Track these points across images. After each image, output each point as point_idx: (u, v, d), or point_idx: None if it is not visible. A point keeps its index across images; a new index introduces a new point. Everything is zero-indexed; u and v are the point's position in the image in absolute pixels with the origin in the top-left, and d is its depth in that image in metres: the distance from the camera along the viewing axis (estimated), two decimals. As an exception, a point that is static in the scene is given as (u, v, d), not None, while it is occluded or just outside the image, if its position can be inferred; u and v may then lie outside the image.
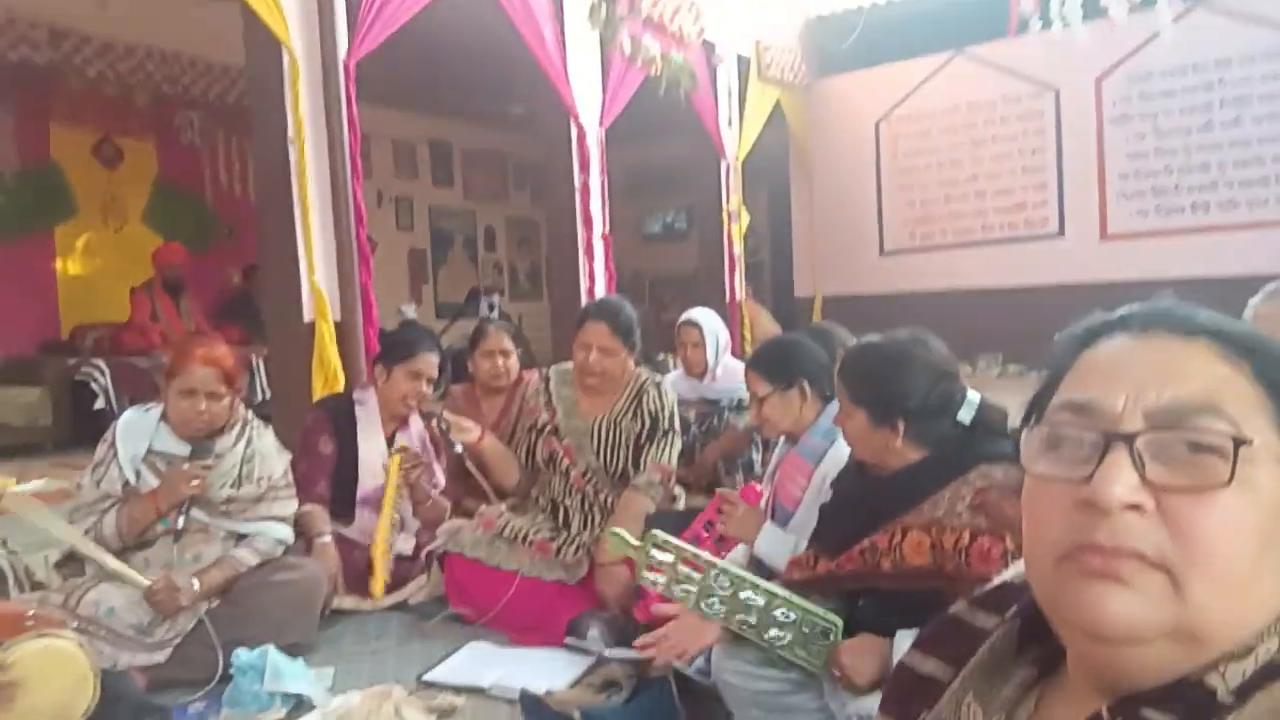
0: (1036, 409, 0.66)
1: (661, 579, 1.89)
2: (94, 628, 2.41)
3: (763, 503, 2.42)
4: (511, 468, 3.16)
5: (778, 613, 1.81)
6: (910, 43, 8.87)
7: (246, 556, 2.66)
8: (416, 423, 3.42)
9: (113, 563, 2.50)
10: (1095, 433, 0.58)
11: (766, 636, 1.82)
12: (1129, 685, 0.57)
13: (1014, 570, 0.76)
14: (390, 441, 3.32)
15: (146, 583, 2.47)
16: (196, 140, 8.67)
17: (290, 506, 2.82)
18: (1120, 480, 0.55)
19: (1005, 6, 7.35)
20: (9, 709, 1.86)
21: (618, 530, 2.02)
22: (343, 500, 3.22)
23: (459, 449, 3.05)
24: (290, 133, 4.21)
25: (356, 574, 3.09)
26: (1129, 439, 0.56)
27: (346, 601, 3.06)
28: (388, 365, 3.31)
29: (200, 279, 7.84)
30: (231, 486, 2.67)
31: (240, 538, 2.72)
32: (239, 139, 8.54)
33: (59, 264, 7.89)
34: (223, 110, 8.55)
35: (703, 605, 1.86)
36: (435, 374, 3.32)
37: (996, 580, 0.76)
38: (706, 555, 1.92)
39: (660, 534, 1.92)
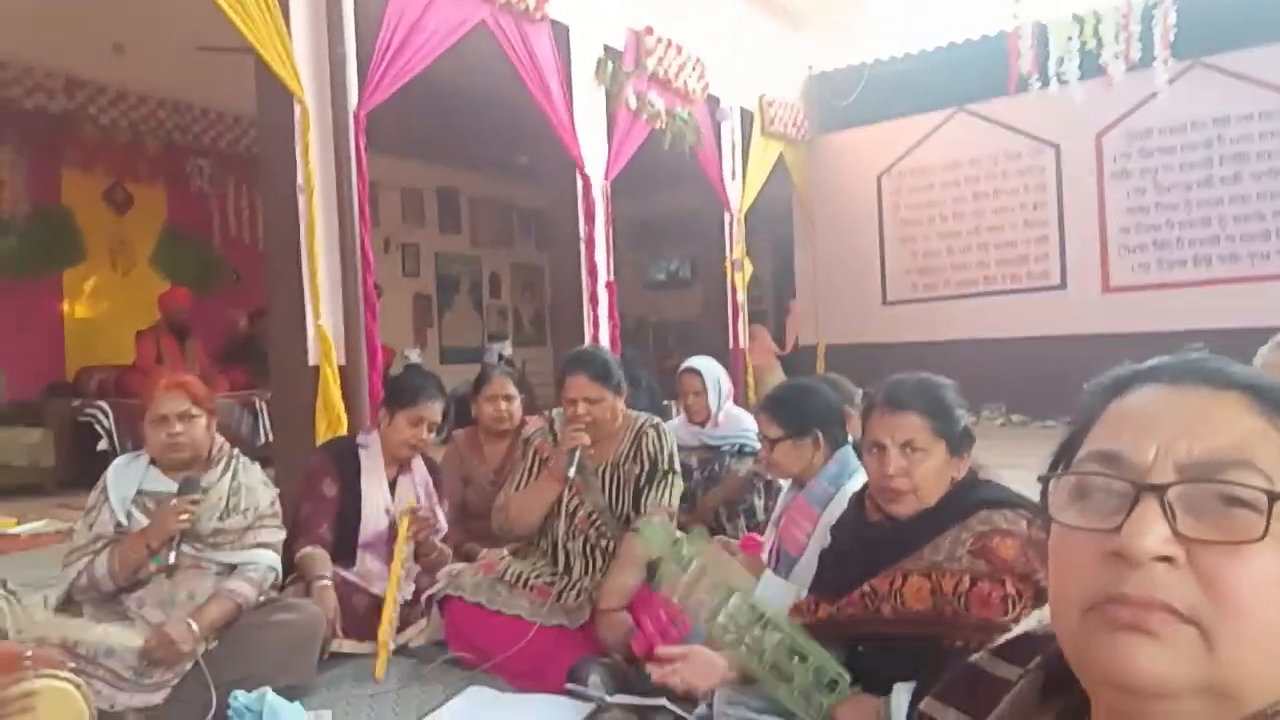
0: (1064, 458, 0.65)
1: (684, 585, 1.87)
2: (92, 668, 2.40)
3: (767, 548, 2.42)
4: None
5: (789, 654, 1.79)
6: (911, 99, 9.01)
7: (240, 587, 2.65)
8: (420, 468, 3.44)
9: (104, 634, 2.46)
10: (1125, 483, 0.57)
11: (771, 674, 1.79)
12: None
13: (1035, 619, 0.75)
14: (393, 486, 3.33)
15: (138, 642, 2.44)
16: (206, 187, 8.78)
17: (278, 535, 2.83)
18: (1151, 532, 0.54)
19: (1004, 65, 7.48)
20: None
21: (654, 519, 2.00)
22: (344, 543, 3.22)
23: (573, 472, 2.91)
24: (300, 181, 4.28)
25: (357, 618, 3.07)
26: (1160, 490, 0.55)
27: (346, 645, 3.04)
28: (391, 410, 3.34)
29: (206, 323, 7.89)
30: (219, 519, 2.69)
31: (231, 570, 2.71)
32: (248, 186, 8.66)
33: (66, 306, 7.95)
34: (233, 158, 8.69)
35: (718, 620, 1.84)
36: (438, 419, 3.35)
37: (1018, 629, 0.75)
38: (732, 575, 1.90)
39: (699, 531, 1.91)
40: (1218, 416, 0.58)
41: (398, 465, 3.38)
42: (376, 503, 3.28)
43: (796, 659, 1.78)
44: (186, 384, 2.76)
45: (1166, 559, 0.54)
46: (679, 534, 1.92)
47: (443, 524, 3.40)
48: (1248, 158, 7.65)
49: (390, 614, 3.00)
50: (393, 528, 3.24)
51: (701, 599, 1.85)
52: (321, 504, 3.21)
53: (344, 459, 3.33)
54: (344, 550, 3.21)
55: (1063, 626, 0.60)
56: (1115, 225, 8.25)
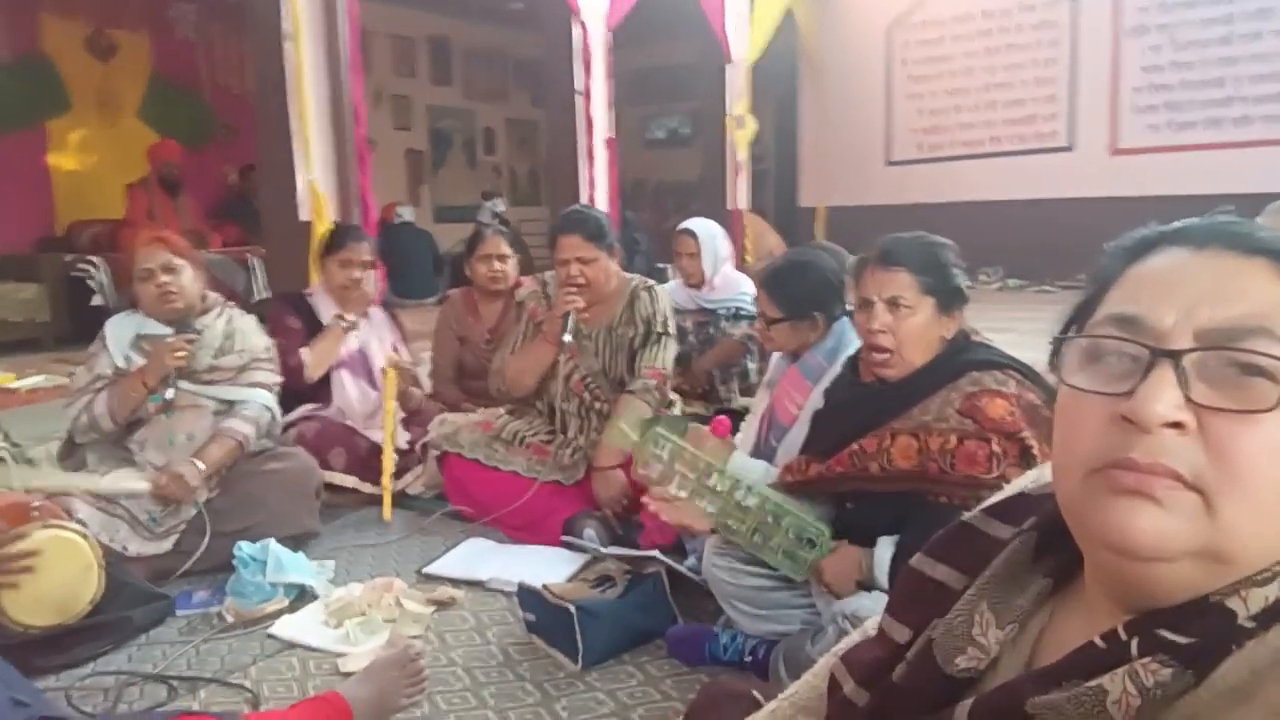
0: (1078, 320, 0.64)
1: (657, 472, 1.92)
2: (112, 507, 2.50)
3: (758, 413, 2.45)
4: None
5: (768, 517, 1.84)
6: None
7: (239, 425, 2.71)
8: (376, 313, 3.57)
9: (112, 483, 2.54)
10: (1141, 348, 0.56)
11: (754, 540, 1.86)
12: (1148, 602, 0.56)
13: (1029, 479, 0.75)
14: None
15: (146, 486, 2.52)
16: (192, 35, 8.46)
17: (274, 378, 2.88)
18: (1164, 398, 0.54)
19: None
20: (17, 592, 1.91)
21: (619, 422, 2.04)
22: (314, 386, 3.32)
23: (568, 337, 2.90)
24: (286, 28, 4.11)
25: (359, 459, 3.21)
26: (1176, 356, 0.55)
27: (349, 481, 3.17)
28: (324, 261, 3.48)
29: (197, 177, 7.75)
30: (214, 357, 2.75)
31: (229, 409, 2.77)
32: (236, 33, 8.33)
33: (53, 159, 7.79)
34: (219, 3, 8.32)
35: (697, 503, 1.90)
36: (367, 258, 3.43)
37: (1010, 489, 0.75)
38: (705, 453, 1.94)
39: (661, 429, 1.94)
40: (1241, 283, 0.56)
41: (350, 310, 3.45)
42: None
43: (774, 519, 1.83)
44: (164, 237, 2.81)
45: (1177, 425, 0.54)
46: (636, 435, 1.94)
47: (412, 362, 3.56)
48: (1272, 14, 7.35)
49: (389, 460, 3.12)
50: (363, 353, 3.40)
51: (679, 477, 1.90)
52: (291, 336, 3.28)
53: (298, 305, 3.45)
54: (321, 385, 3.32)
55: (1064, 488, 0.60)
56: (1127, 85, 8.01)
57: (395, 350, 3.49)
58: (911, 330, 1.78)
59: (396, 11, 9.63)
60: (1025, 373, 1.75)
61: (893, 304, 1.78)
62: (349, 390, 3.37)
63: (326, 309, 3.42)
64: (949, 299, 1.80)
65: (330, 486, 3.07)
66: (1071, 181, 8.15)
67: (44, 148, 7.70)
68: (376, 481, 3.15)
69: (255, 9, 4.28)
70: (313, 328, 3.37)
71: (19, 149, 7.38)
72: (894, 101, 9.19)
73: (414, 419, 3.45)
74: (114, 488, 2.54)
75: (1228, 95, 7.60)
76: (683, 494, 1.90)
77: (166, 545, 2.55)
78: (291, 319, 3.35)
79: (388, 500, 3.10)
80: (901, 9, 9.03)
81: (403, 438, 3.35)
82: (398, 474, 3.23)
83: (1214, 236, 0.59)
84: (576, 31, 6.02)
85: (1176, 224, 0.62)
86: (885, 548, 1.75)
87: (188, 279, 2.73)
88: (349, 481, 3.18)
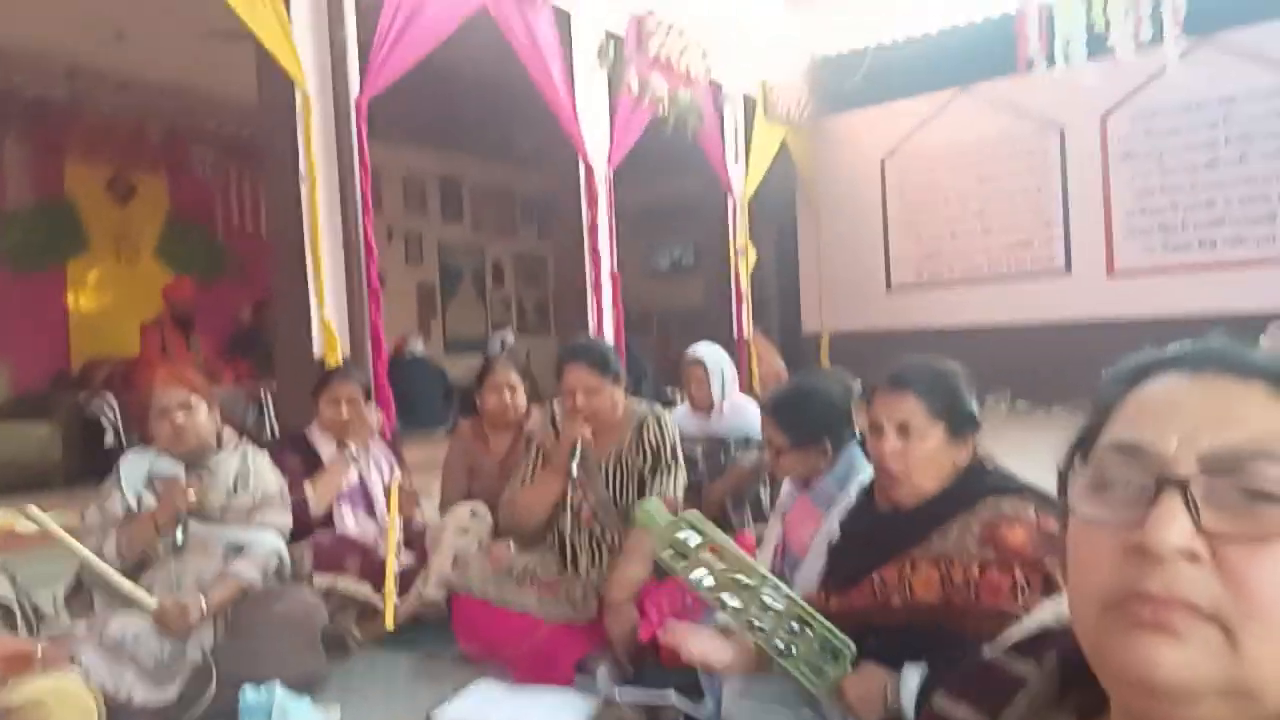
0: (1082, 448, 0.63)
1: (684, 562, 1.86)
2: (121, 656, 2.44)
3: (770, 542, 2.41)
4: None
5: (794, 622, 1.77)
6: (915, 80, 8.96)
7: (245, 569, 2.67)
8: (378, 443, 3.67)
9: (123, 582, 2.52)
10: (1146, 475, 0.56)
11: (777, 644, 1.77)
12: None
13: (1051, 612, 0.74)
14: None
15: (154, 602, 2.49)
16: (209, 175, 8.76)
17: (285, 520, 2.87)
18: (1174, 526, 0.53)
19: (1010, 45, 7.42)
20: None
21: (649, 502, 1.99)
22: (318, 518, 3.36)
23: (574, 470, 2.92)
24: (302, 170, 4.27)
25: (369, 567, 3.22)
26: (1183, 483, 0.54)
27: (362, 588, 3.15)
28: (315, 402, 3.56)
29: (211, 314, 7.89)
30: (226, 496, 2.75)
31: (237, 553, 2.74)
32: (251, 174, 8.63)
33: (71, 298, 7.95)
34: (236, 146, 8.65)
35: (721, 597, 1.82)
36: (356, 394, 3.52)
37: (1032, 623, 0.74)
38: (734, 546, 1.89)
39: (693, 514, 1.90)
40: (1241, 407, 0.57)
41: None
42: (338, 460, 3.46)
43: (800, 626, 1.76)
44: (182, 374, 2.87)
45: (1190, 555, 0.53)
46: (667, 517, 1.90)
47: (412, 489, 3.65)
48: (1254, 138, 7.59)
49: (392, 572, 3.13)
50: (363, 486, 3.47)
51: (703, 576, 1.84)
52: (291, 475, 3.28)
53: (297, 445, 3.52)
54: (323, 519, 3.35)
55: (1081, 623, 0.59)
56: (1120, 208, 8.21)
57: (379, 468, 3.59)
58: (922, 455, 1.77)
59: (409, 152, 9.99)
60: (1043, 498, 1.73)
61: (903, 428, 1.78)
62: (348, 522, 3.40)
63: (325, 446, 3.50)
64: (960, 424, 1.80)
65: (340, 597, 3.06)
66: (1071, 304, 8.26)
67: (62, 287, 7.88)
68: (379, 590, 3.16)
69: (273, 151, 4.44)
70: (312, 465, 3.42)
71: (38, 288, 7.55)
72: (892, 229, 9.41)
73: (414, 545, 3.50)
74: (128, 588, 2.51)
75: (1219, 216, 7.77)
76: (709, 582, 1.83)
77: (172, 693, 2.48)
78: (291, 458, 3.40)
79: (390, 606, 3.06)
80: (893, 141, 9.34)
81: (405, 558, 3.38)
82: (403, 590, 3.20)
83: (1209, 360, 0.60)
84: (582, 170, 6.24)
85: (1172, 349, 0.63)
86: (912, 676, 1.68)
87: (203, 416, 2.76)
88: (362, 590, 3.14)
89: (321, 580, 3.07)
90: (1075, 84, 7.32)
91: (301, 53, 4.24)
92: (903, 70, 8.96)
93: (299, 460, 3.41)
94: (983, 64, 8.42)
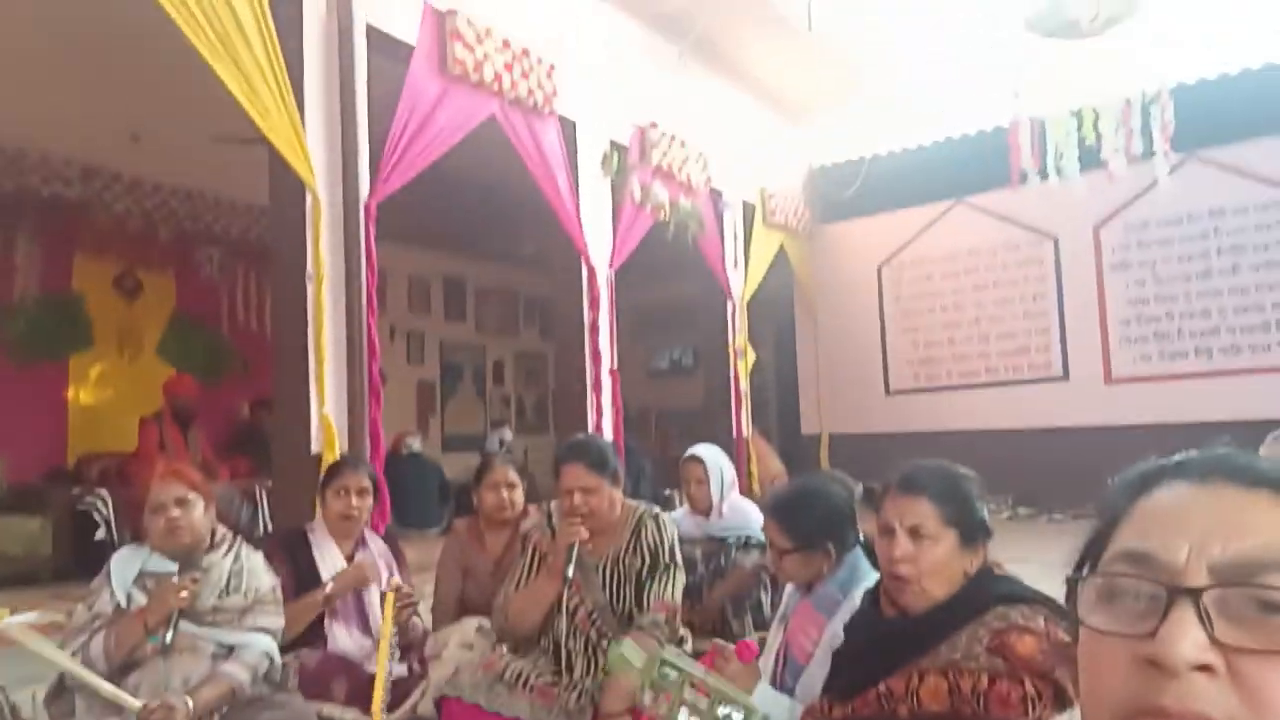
0: (1090, 557, 0.63)
1: (665, 705, 1.81)
2: None
3: (772, 647, 2.36)
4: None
5: None
6: (911, 191, 9.19)
7: (235, 671, 2.61)
8: (377, 542, 3.49)
9: (105, 686, 2.45)
10: (1157, 586, 0.55)
11: None
12: None
13: None
14: (350, 561, 3.36)
15: (139, 704, 2.41)
16: (216, 275, 8.88)
17: (278, 622, 2.80)
18: (1188, 638, 0.52)
19: (1004, 159, 7.63)
20: None
21: (622, 645, 1.94)
22: (311, 626, 3.19)
23: (571, 572, 2.84)
24: (310, 270, 4.33)
25: (358, 687, 3.06)
26: (1195, 594, 0.53)
27: (349, 714, 3.00)
28: (322, 494, 3.45)
29: (209, 410, 7.88)
30: (218, 597, 2.68)
31: (228, 654, 2.67)
32: (257, 274, 8.75)
33: (71, 392, 7.96)
34: (243, 246, 8.81)
35: None
36: (365, 484, 3.40)
37: None
38: (715, 681, 1.84)
39: (669, 653, 1.85)
40: (1249, 516, 0.56)
41: (350, 544, 3.40)
42: (334, 573, 3.30)
43: None
44: (182, 471, 2.82)
45: (1205, 668, 0.52)
46: (641, 659, 1.85)
47: (411, 592, 3.42)
48: (1245, 249, 7.74)
49: (381, 690, 2.96)
50: (358, 598, 3.28)
51: (687, 708, 1.79)
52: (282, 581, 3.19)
53: (293, 543, 3.37)
54: (314, 632, 3.19)
55: None
56: (1116, 316, 8.30)
57: (379, 570, 3.40)
58: (933, 561, 1.74)
59: (415, 252, 10.15)
60: (1053, 608, 1.70)
61: (915, 532, 1.75)
62: (340, 639, 3.22)
63: (325, 548, 3.35)
64: (972, 532, 1.78)
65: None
66: (1069, 410, 8.28)
67: (64, 381, 7.89)
68: (368, 709, 3.00)
69: (281, 252, 4.51)
70: (306, 568, 3.27)
71: (39, 382, 7.56)
72: (890, 334, 9.50)
73: (414, 650, 3.35)
74: (111, 692, 2.43)
75: (1214, 325, 7.85)
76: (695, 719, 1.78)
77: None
78: (281, 563, 3.23)
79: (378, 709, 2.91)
80: (889, 249, 9.51)
81: (400, 669, 3.24)
82: (397, 702, 3.08)
83: (1216, 469, 0.60)
84: (584, 271, 6.34)
85: (1178, 457, 0.63)
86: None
87: (198, 514, 2.72)
88: (349, 715, 3.02)
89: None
90: (1068, 196, 7.50)
91: (313, 156, 4.36)
92: (898, 181, 9.19)
93: (288, 568, 3.23)
94: (977, 176, 8.64)
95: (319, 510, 3.55)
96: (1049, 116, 7.42)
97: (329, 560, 3.32)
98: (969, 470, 1.86)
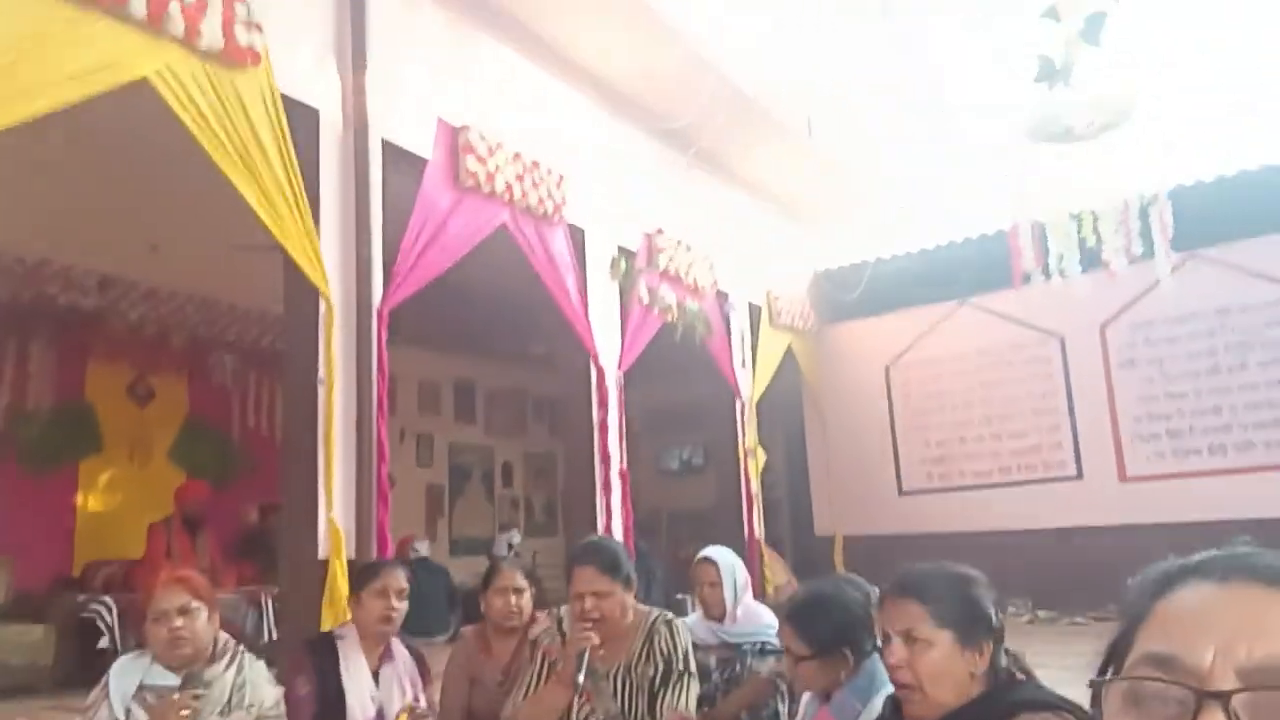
0: (1113, 661, 0.62)
1: None
2: None
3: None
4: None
5: None
6: (916, 293, 9.29)
7: None
8: (403, 655, 3.36)
9: None
10: (1185, 690, 0.54)
11: None
12: None
13: None
14: (376, 677, 3.23)
15: None
16: (228, 380, 8.95)
17: None
18: None
19: (1006, 260, 7.71)
20: None
21: None
22: None
23: (581, 680, 2.76)
24: (321, 374, 4.37)
25: None
26: (1224, 698, 0.53)
27: None
28: (357, 593, 3.31)
29: (219, 514, 7.84)
30: (221, 714, 2.61)
31: None
32: (269, 379, 8.82)
33: (80, 498, 7.94)
34: (255, 352, 8.90)
35: None
36: (404, 585, 3.29)
37: None
38: None
39: None
40: (1274, 617, 0.56)
41: (379, 652, 3.28)
42: (362, 694, 3.16)
43: None
44: (186, 578, 2.77)
45: None
46: None
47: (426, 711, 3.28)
48: (1252, 347, 7.75)
49: None
50: (380, 717, 3.13)
51: None
52: (297, 705, 3.09)
53: (321, 653, 3.24)
54: None
55: None
56: (1127, 414, 8.27)
57: (416, 700, 3.23)
58: (930, 666, 1.69)
59: (425, 356, 10.23)
60: (1077, 714, 1.65)
61: (907, 637, 1.72)
62: None
63: (352, 659, 3.20)
64: (971, 631, 1.74)
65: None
66: (1085, 510, 8.17)
67: (73, 488, 7.88)
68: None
69: (293, 357, 4.57)
70: (332, 678, 3.15)
71: (47, 489, 7.54)
72: (900, 434, 9.46)
73: None
74: None
75: (1226, 423, 7.81)
76: None
77: None
78: (302, 682, 3.12)
79: None
80: (896, 350, 9.56)
81: None
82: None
83: (1237, 569, 0.59)
84: (593, 372, 6.38)
85: (1198, 557, 0.63)
86: None
87: (202, 623, 2.67)
88: None
89: None
90: (1072, 296, 7.56)
91: (327, 263, 4.45)
92: (902, 283, 9.30)
93: (309, 685, 3.09)
94: (980, 277, 8.74)
95: (351, 612, 3.38)
96: (1049, 220, 7.54)
97: (354, 672, 3.19)
98: (970, 569, 1.84)
